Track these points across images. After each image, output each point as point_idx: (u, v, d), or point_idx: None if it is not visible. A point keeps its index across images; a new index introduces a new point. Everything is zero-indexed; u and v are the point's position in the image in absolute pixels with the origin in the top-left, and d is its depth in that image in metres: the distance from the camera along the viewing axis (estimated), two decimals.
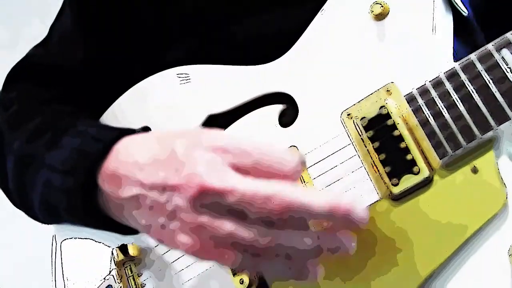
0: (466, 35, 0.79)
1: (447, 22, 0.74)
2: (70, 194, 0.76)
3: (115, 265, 0.88)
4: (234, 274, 0.78)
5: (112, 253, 0.88)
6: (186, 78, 0.87)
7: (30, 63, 1.00)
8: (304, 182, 0.77)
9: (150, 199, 0.66)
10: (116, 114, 0.93)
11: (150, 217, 0.67)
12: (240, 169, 0.64)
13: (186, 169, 0.64)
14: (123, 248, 0.88)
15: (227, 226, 0.63)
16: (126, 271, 0.89)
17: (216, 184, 0.62)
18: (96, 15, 0.93)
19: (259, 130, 0.81)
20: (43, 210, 0.86)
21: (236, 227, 0.63)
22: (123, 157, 0.71)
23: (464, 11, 0.75)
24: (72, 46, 0.96)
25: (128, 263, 0.89)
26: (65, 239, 0.97)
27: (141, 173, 0.67)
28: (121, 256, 0.87)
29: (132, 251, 0.88)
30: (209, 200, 0.63)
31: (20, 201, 0.94)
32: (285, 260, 0.66)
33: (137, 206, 0.68)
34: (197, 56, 0.87)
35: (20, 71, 1.00)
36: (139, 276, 0.89)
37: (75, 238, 0.96)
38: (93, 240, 0.93)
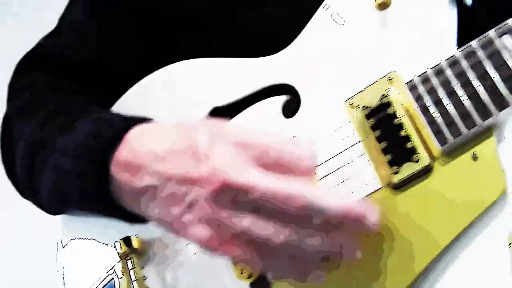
0: (471, 25, 0.78)
1: (450, 11, 0.73)
2: (84, 178, 0.76)
3: (118, 257, 0.88)
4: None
5: (115, 246, 0.88)
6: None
7: (41, 53, 1.00)
8: None
9: (167, 190, 0.66)
10: (123, 108, 0.94)
11: (165, 208, 0.67)
12: (262, 165, 0.64)
13: (209, 163, 0.64)
14: (126, 241, 0.88)
15: (244, 222, 0.63)
16: (129, 264, 0.89)
17: (239, 180, 0.62)
18: (109, 7, 0.94)
19: (263, 121, 0.81)
20: (53, 196, 0.85)
21: (253, 224, 0.63)
22: (138, 146, 0.71)
23: (468, 1, 0.75)
24: (85, 37, 0.96)
25: (130, 256, 0.89)
26: (70, 240, 0.98)
27: (159, 163, 0.67)
28: (124, 248, 0.87)
29: (135, 243, 0.88)
30: (230, 195, 0.63)
31: (27, 187, 0.93)
32: (292, 260, 0.65)
33: (152, 196, 0.68)
34: (201, 49, 0.87)
35: (30, 61, 1.00)
36: (141, 269, 0.88)
37: (80, 239, 0.97)
38: (96, 240, 0.94)
